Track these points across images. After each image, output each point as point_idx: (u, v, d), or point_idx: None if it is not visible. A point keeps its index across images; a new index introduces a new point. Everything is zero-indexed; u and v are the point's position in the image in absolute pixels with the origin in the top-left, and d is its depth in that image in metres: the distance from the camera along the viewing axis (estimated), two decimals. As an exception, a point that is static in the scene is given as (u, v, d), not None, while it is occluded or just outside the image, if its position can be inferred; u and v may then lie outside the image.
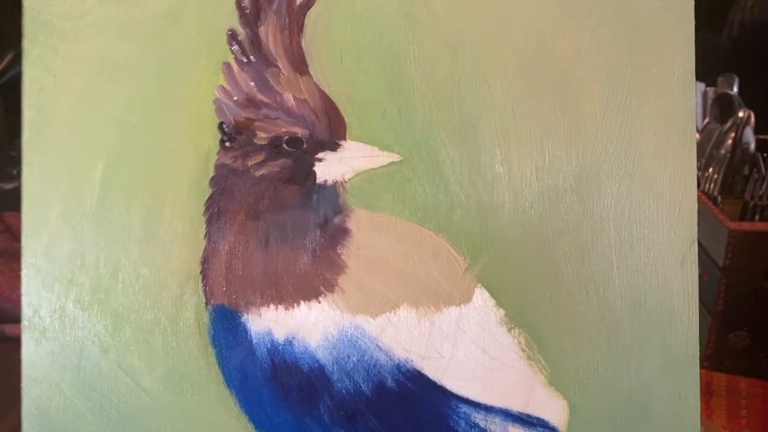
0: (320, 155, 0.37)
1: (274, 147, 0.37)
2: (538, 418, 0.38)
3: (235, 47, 0.37)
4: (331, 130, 0.37)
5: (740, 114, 0.80)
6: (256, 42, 0.37)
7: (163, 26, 0.38)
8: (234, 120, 0.37)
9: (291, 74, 0.37)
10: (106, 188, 0.38)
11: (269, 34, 0.37)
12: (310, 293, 0.37)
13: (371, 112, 0.37)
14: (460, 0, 0.37)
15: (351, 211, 0.37)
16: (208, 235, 0.38)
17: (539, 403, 0.37)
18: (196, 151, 0.38)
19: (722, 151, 0.79)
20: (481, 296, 0.37)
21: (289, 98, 0.37)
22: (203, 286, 0.38)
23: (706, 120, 0.88)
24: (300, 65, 0.37)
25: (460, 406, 0.37)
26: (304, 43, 0.37)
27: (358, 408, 0.37)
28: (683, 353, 0.37)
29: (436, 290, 0.37)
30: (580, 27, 0.37)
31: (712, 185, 0.79)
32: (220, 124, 0.37)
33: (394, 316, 0.37)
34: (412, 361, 0.37)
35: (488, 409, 0.37)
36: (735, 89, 0.88)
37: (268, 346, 0.37)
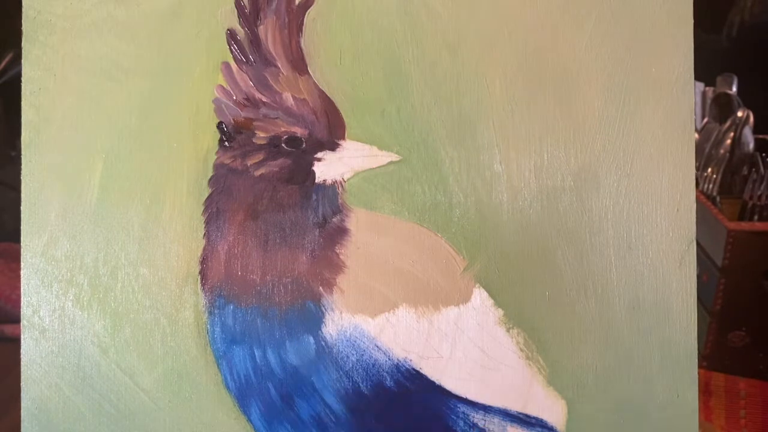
0: (319, 155, 0.37)
1: (273, 146, 0.37)
2: (536, 418, 0.38)
3: (234, 47, 0.37)
4: (330, 129, 0.37)
5: (739, 114, 0.80)
6: (255, 41, 0.37)
7: (162, 26, 0.38)
8: (233, 119, 0.37)
9: (290, 74, 0.37)
10: (106, 188, 0.38)
11: (268, 33, 0.37)
12: (309, 293, 0.37)
13: (370, 112, 0.37)
14: (459, 0, 0.37)
15: (350, 210, 0.37)
16: (207, 235, 0.38)
17: (538, 403, 0.37)
18: (196, 150, 0.38)
19: (721, 151, 0.80)
20: (479, 296, 0.37)
21: (288, 98, 0.37)
22: (202, 285, 0.38)
23: (705, 120, 0.88)
24: (299, 65, 0.37)
25: (458, 405, 0.37)
26: (303, 43, 0.37)
27: (356, 408, 0.37)
28: (681, 353, 0.37)
29: (435, 290, 0.37)
30: (579, 26, 0.37)
31: (711, 185, 0.79)
32: (220, 123, 0.37)
33: (393, 315, 0.37)
34: (410, 360, 0.37)
35: (487, 409, 0.37)
36: (734, 89, 0.88)
37: (267, 345, 0.37)
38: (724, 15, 1.17)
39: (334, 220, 0.37)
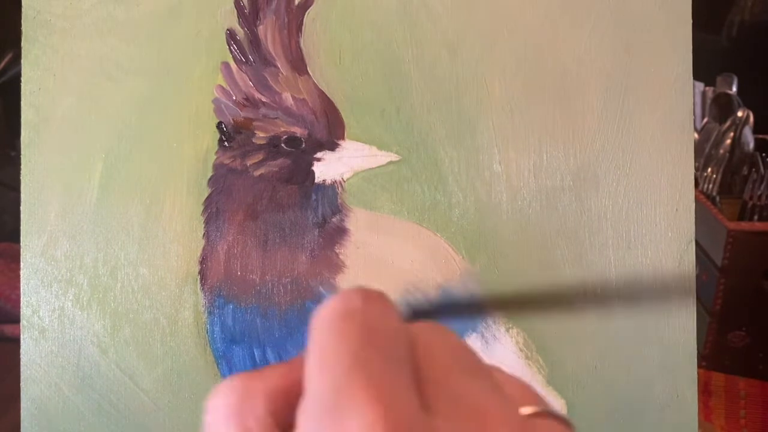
0: (319, 155, 0.37)
1: (273, 146, 0.37)
2: (536, 418, 0.37)
3: (234, 47, 0.37)
4: (329, 129, 0.37)
5: (739, 114, 0.80)
6: (254, 42, 0.37)
7: (161, 26, 0.38)
8: (233, 119, 0.37)
9: (290, 74, 0.37)
10: (105, 188, 0.38)
11: (268, 33, 0.37)
12: (309, 293, 0.37)
13: (370, 112, 0.37)
14: (458, 0, 0.37)
15: (349, 210, 0.37)
16: (207, 235, 0.38)
17: (537, 403, 0.37)
18: (195, 150, 0.38)
19: (721, 151, 0.80)
20: (479, 296, 0.37)
21: (287, 98, 0.37)
22: (202, 285, 0.38)
23: (705, 120, 0.88)
24: (299, 65, 0.37)
25: (458, 405, 0.37)
26: (303, 43, 0.37)
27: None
28: (681, 352, 0.37)
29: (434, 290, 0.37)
30: (578, 27, 0.37)
31: (710, 185, 0.79)
32: (219, 123, 0.37)
33: (393, 315, 0.37)
34: (410, 360, 0.37)
35: (486, 409, 0.37)
36: (734, 89, 0.88)
37: (267, 345, 0.37)
38: (724, 15, 1.17)
39: (333, 220, 0.37)
